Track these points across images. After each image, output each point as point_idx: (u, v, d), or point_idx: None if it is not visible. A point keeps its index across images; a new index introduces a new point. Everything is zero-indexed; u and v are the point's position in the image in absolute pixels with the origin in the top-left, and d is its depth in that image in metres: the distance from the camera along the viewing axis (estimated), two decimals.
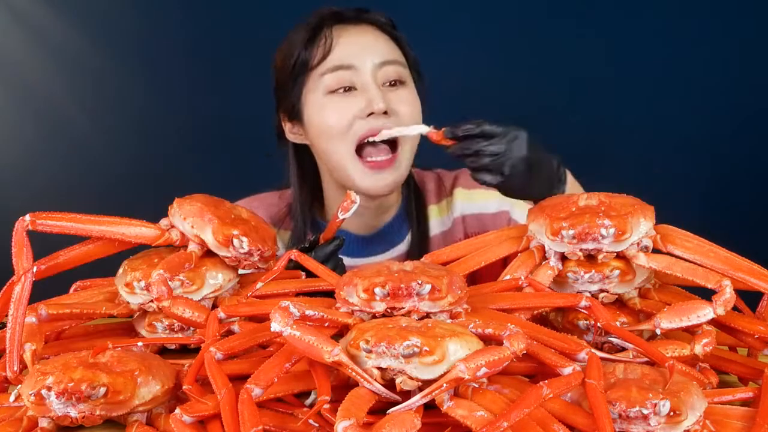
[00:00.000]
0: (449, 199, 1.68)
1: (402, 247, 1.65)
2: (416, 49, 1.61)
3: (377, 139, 1.45)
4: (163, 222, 1.14)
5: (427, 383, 0.79)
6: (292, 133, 1.60)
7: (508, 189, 1.34)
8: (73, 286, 1.24)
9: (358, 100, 1.48)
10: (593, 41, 2.73)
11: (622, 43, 2.72)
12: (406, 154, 1.51)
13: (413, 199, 1.66)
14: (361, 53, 1.50)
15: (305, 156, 1.62)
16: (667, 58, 2.70)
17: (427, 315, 0.90)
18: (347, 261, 1.59)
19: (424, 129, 1.36)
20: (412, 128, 1.42)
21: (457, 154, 1.32)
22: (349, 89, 1.49)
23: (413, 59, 1.57)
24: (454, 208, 1.66)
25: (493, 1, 2.75)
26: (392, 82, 1.51)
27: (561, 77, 2.72)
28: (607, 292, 1.03)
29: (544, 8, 2.74)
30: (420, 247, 1.61)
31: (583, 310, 1.00)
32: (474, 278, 1.30)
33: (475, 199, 1.64)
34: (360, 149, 1.49)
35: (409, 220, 1.65)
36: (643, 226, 1.02)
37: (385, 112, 1.46)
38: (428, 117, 1.53)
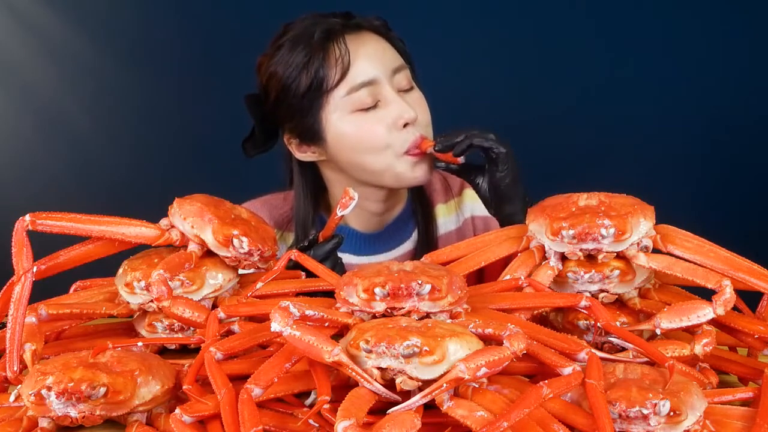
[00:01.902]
0: (458, 199, 1.68)
1: (408, 245, 1.65)
2: (418, 52, 1.61)
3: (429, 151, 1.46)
4: (163, 222, 1.14)
5: (427, 383, 0.79)
6: (301, 152, 1.55)
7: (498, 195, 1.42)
8: (73, 286, 1.23)
9: (388, 112, 1.45)
10: (596, 45, 2.73)
11: (624, 46, 2.72)
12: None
13: (419, 197, 1.66)
14: (377, 65, 1.47)
15: (307, 168, 1.60)
16: (669, 61, 2.71)
17: (427, 315, 0.90)
18: (353, 259, 1.60)
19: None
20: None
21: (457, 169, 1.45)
22: (375, 104, 1.46)
23: (409, 57, 1.56)
24: (464, 208, 1.67)
25: (496, 5, 2.74)
26: (404, 88, 1.50)
27: (562, 80, 2.72)
28: (607, 292, 1.03)
29: (546, 11, 2.74)
30: (426, 245, 1.61)
31: (583, 310, 1.00)
32: (481, 278, 1.30)
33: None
34: None
35: (414, 218, 1.65)
36: (643, 226, 1.02)
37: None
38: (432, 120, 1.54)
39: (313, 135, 1.50)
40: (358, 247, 1.62)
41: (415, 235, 1.65)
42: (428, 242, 1.62)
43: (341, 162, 1.52)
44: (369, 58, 1.46)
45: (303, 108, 1.48)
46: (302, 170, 1.60)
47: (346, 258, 1.57)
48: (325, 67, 1.44)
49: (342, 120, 1.46)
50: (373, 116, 1.45)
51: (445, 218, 1.67)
